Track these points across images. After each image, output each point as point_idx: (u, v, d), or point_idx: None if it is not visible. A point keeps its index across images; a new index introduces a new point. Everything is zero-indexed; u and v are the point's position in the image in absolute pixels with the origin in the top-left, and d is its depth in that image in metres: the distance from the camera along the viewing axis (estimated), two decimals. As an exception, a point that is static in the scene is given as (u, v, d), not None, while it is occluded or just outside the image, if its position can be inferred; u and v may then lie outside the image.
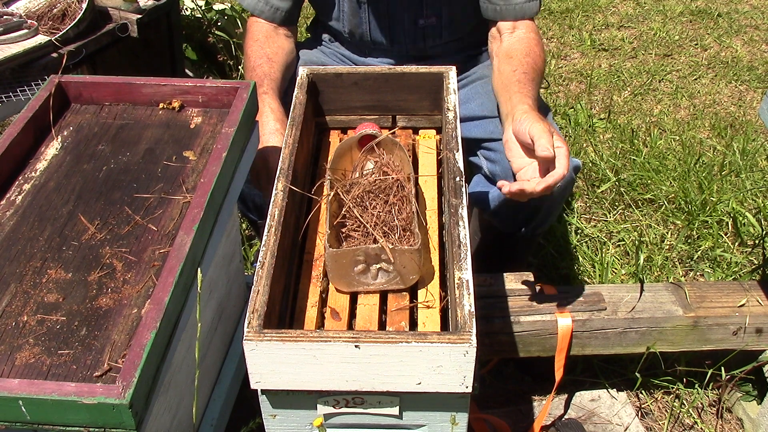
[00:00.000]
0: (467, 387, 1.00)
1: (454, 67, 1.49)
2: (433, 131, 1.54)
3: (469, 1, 1.86)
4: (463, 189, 1.19)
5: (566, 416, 1.85)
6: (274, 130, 1.67)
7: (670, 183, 2.72)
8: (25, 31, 2.11)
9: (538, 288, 1.78)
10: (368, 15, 1.87)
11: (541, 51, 1.76)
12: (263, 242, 1.11)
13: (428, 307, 1.16)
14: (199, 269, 1.12)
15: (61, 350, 1.05)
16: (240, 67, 3.10)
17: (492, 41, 1.84)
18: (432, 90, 1.49)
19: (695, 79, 3.58)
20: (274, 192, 1.20)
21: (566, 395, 1.90)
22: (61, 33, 2.13)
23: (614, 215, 2.61)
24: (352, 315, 1.17)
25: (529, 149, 1.43)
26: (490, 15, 1.83)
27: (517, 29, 1.79)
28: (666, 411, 1.95)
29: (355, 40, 1.94)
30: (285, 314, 1.15)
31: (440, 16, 1.87)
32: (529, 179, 1.42)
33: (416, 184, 1.36)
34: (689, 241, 2.47)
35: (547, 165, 1.40)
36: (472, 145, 1.88)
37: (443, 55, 1.93)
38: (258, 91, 1.71)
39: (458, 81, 1.77)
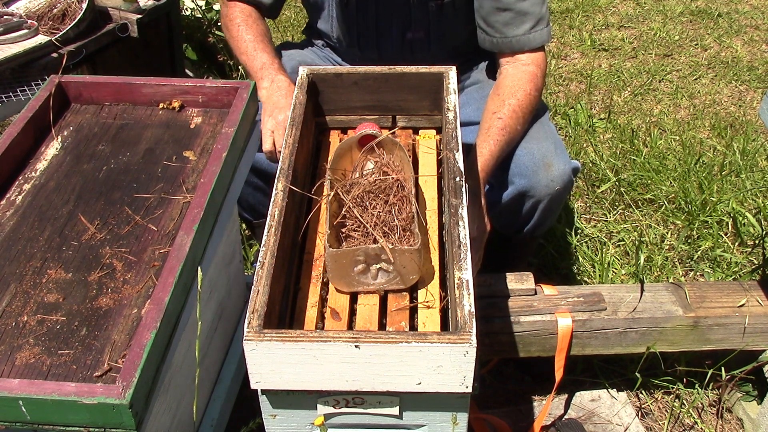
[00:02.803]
0: (467, 387, 1.00)
1: (454, 67, 1.48)
2: (433, 131, 1.53)
3: (458, 19, 1.84)
4: (463, 189, 1.19)
5: (566, 416, 1.85)
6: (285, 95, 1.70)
7: (670, 183, 2.72)
8: (25, 31, 2.11)
9: (538, 288, 1.78)
10: (356, 25, 1.87)
11: (533, 88, 1.74)
12: (263, 242, 1.11)
13: (428, 307, 1.16)
14: (199, 268, 1.12)
15: (61, 350, 1.05)
16: (240, 67, 3.09)
17: (497, 67, 1.82)
18: (432, 90, 1.48)
19: (695, 79, 3.58)
20: (274, 192, 1.20)
21: (566, 395, 1.90)
22: (61, 33, 2.13)
23: (614, 215, 2.61)
24: (352, 315, 1.17)
25: None
26: (487, 47, 1.80)
27: (518, 61, 1.76)
28: (666, 411, 1.95)
29: (344, 47, 1.94)
30: (285, 314, 1.15)
31: (428, 31, 1.86)
32: None
33: (416, 184, 1.36)
34: (689, 241, 2.47)
35: None
36: (467, 150, 1.88)
37: (433, 65, 1.93)
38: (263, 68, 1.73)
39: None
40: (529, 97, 1.73)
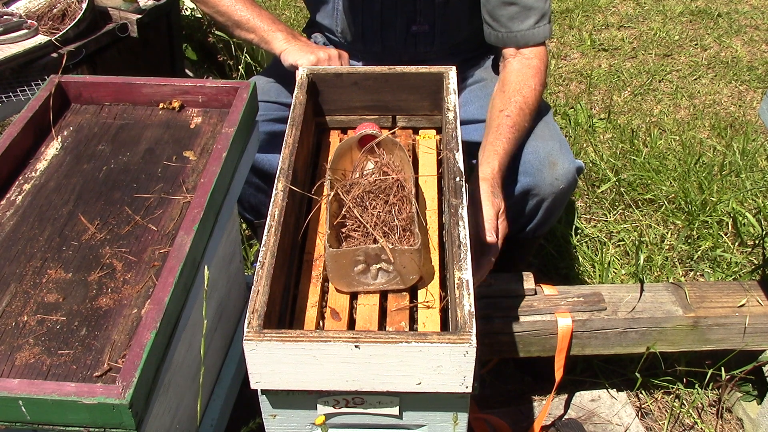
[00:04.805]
0: (467, 387, 1.00)
1: (454, 67, 1.49)
2: (433, 131, 1.54)
3: (463, 13, 1.85)
4: (463, 189, 1.19)
5: (566, 416, 1.85)
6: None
7: (670, 183, 2.72)
8: (25, 31, 2.11)
9: (538, 288, 1.78)
10: (361, 16, 1.87)
11: (538, 83, 1.75)
12: (263, 242, 1.11)
13: (428, 307, 1.16)
14: (206, 267, 1.12)
15: (61, 350, 1.05)
16: (240, 67, 3.09)
17: (500, 62, 1.84)
18: (432, 90, 1.49)
19: (695, 79, 3.57)
20: (274, 192, 1.20)
21: (566, 395, 1.90)
22: (61, 33, 2.13)
23: (614, 215, 2.61)
24: (352, 315, 1.17)
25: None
26: (492, 41, 1.81)
27: (521, 55, 1.78)
28: (666, 411, 1.95)
29: (347, 40, 1.94)
30: (285, 314, 1.15)
31: (433, 24, 1.86)
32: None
33: (416, 184, 1.36)
34: (689, 241, 2.47)
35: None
36: (471, 148, 1.88)
37: (436, 60, 1.93)
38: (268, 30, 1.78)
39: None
40: (534, 93, 1.74)
